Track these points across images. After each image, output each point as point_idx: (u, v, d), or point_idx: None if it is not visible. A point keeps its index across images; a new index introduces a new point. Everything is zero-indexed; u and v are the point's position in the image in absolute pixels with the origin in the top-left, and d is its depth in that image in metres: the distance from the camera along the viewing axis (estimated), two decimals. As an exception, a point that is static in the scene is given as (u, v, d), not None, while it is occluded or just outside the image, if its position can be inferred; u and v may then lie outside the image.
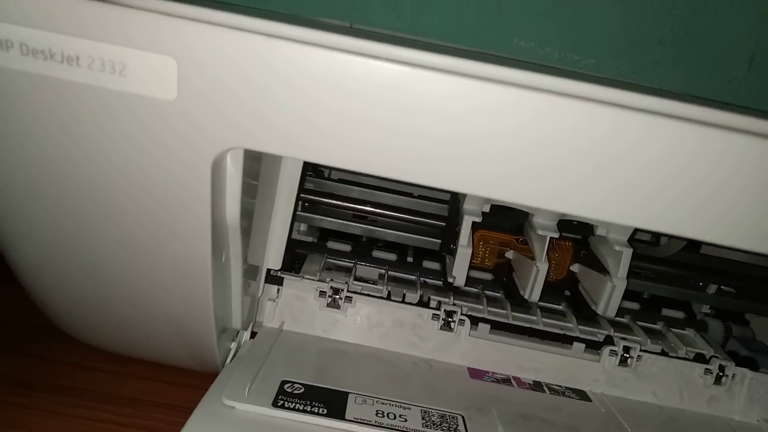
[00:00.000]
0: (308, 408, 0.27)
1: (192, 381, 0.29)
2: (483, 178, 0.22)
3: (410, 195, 0.45)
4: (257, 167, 0.29)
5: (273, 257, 0.34)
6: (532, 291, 0.34)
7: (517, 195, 0.23)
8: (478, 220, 0.35)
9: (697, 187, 0.23)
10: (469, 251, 0.35)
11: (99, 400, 0.31)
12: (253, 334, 0.35)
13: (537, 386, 0.35)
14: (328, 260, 0.40)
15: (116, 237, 0.26)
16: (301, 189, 0.40)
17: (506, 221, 0.39)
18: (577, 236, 0.38)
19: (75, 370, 0.33)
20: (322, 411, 0.27)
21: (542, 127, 0.22)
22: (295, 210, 0.34)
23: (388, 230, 0.42)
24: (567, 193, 0.23)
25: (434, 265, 0.43)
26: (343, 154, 0.22)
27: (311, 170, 0.45)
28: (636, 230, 0.45)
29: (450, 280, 0.36)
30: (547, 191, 0.23)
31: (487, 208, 0.36)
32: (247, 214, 0.28)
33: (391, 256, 0.43)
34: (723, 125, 0.22)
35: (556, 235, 0.34)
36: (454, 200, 0.39)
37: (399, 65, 0.21)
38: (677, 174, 0.23)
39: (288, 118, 0.21)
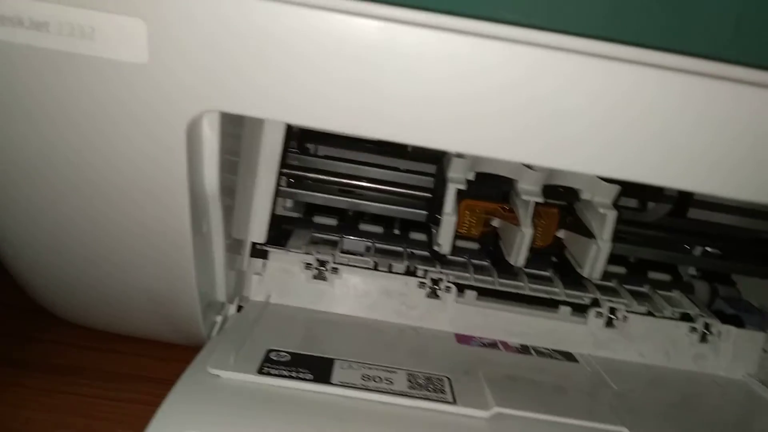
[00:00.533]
0: (294, 374, 0.28)
1: (181, 356, 0.29)
2: (461, 133, 0.22)
3: (396, 169, 0.45)
4: (238, 136, 0.29)
5: (257, 231, 0.34)
6: (518, 256, 0.34)
7: (494, 149, 0.23)
8: (463, 187, 0.35)
9: (687, 136, 0.23)
10: (454, 218, 0.35)
11: (88, 377, 0.31)
12: (239, 309, 0.35)
13: (524, 350, 0.35)
14: (314, 235, 0.40)
15: (91, 210, 0.26)
16: (284, 164, 0.40)
17: (492, 190, 0.39)
18: (562, 202, 0.39)
19: (64, 349, 0.33)
20: (308, 377, 0.28)
21: (527, 79, 0.22)
22: (278, 182, 0.34)
23: (373, 203, 0.42)
24: (558, 147, 0.23)
25: (421, 237, 0.43)
26: (320, 113, 0.22)
27: (297, 147, 0.45)
28: (622, 196, 0.46)
29: (436, 248, 0.36)
30: (531, 145, 0.23)
31: (471, 176, 0.36)
32: (228, 183, 0.28)
33: (378, 229, 0.43)
34: (708, 74, 0.22)
35: (541, 199, 0.34)
36: (440, 171, 0.39)
37: (378, 21, 0.21)
38: (665, 122, 0.23)
39: (262, 78, 0.21)
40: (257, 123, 0.30)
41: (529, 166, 0.34)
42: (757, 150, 0.23)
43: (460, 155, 0.35)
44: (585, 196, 0.35)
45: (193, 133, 0.22)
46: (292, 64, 0.21)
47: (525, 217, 0.34)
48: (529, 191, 0.34)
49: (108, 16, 0.20)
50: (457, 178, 0.35)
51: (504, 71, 0.22)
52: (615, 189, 0.33)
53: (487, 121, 0.22)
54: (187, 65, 0.20)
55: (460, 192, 0.36)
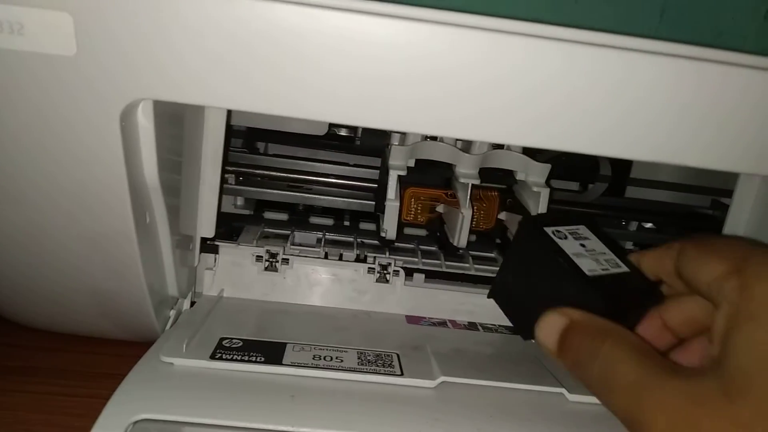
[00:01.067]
0: (246, 358, 0.28)
1: (138, 352, 0.29)
2: (378, 111, 0.24)
3: (346, 164, 0.46)
4: (179, 136, 0.29)
5: (205, 225, 0.35)
6: (460, 236, 0.36)
7: (422, 125, 0.24)
8: (403, 173, 0.36)
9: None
10: (397, 204, 0.36)
11: (45, 376, 0.31)
12: (192, 305, 0.35)
13: (471, 326, 0.37)
14: (265, 230, 0.41)
15: (31, 211, 0.26)
16: (233, 162, 0.41)
17: (435, 178, 0.40)
18: (502, 186, 0.40)
19: (20, 351, 0.33)
20: (260, 359, 0.28)
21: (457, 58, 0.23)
22: (224, 176, 0.35)
23: (322, 197, 0.43)
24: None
25: (371, 227, 0.44)
26: (247, 97, 0.23)
27: (245, 146, 0.46)
28: (565, 180, 0.48)
29: (382, 234, 0.37)
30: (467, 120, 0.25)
31: (411, 163, 0.37)
32: (172, 182, 0.29)
33: (328, 221, 0.44)
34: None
35: (477, 181, 0.36)
36: (383, 162, 0.40)
37: (296, 6, 0.22)
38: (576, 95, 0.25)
39: (188, 64, 0.22)
40: (197, 119, 0.31)
41: (465, 151, 0.36)
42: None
43: (400, 143, 0.37)
44: (520, 176, 0.36)
45: (127, 124, 0.23)
46: (217, 50, 0.22)
47: (464, 198, 0.35)
48: (466, 174, 0.36)
49: (36, 12, 0.20)
50: (397, 165, 0.36)
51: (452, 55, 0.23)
52: (547, 168, 0.35)
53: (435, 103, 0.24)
54: (114, 56, 0.21)
55: (403, 180, 0.37)
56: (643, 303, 0.25)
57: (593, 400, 0.29)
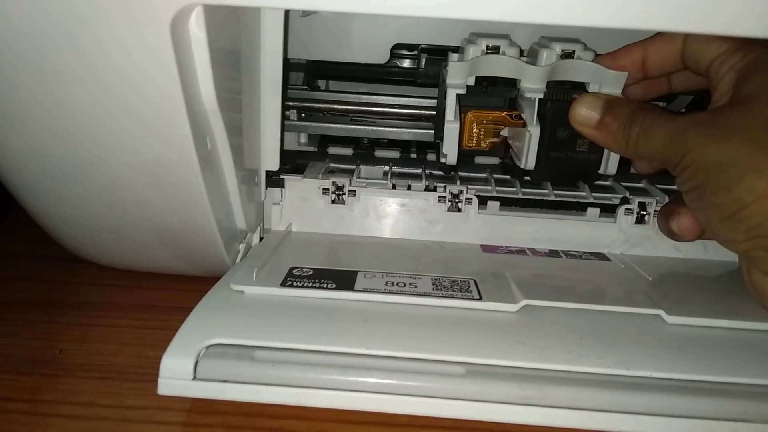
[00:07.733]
0: (317, 285, 0.27)
1: (209, 287, 0.29)
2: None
3: (409, 96, 0.44)
4: (233, 45, 0.27)
5: (269, 158, 0.34)
6: (528, 157, 0.33)
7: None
8: (462, 91, 0.33)
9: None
10: (456, 125, 0.33)
11: (116, 309, 0.31)
12: (261, 240, 0.35)
13: (553, 253, 0.34)
14: (330, 165, 0.40)
15: (86, 141, 0.25)
16: (296, 98, 0.40)
17: (497, 99, 0.37)
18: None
19: (92, 288, 0.34)
20: (331, 286, 0.27)
21: None
22: (284, 106, 0.33)
23: (387, 128, 0.41)
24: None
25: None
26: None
27: (306, 84, 0.44)
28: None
29: (443, 159, 0.35)
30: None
31: (471, 81, 0.34)
32: (227, 93, 0.27)
33: (394, 154, 0.42)
34: None
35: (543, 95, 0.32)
36: (441, 84, 0.37)
37: None
38: None
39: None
40: (254, 34, 0.29)
41: (531, 63, 0.33)
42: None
43: (456, 58, 0.34)
44: (592, 88, 0.33)
45: (179, 36, 0.22)
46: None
47: (531, 115, 0.32)
48: (532, 89, 0.33)
49: None
50: (455, 83, 0.33)
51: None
52: (623, 76, 0.31)
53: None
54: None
55: (463, 104, 0.34)
56: None
57: (694, 321, 0.27)
